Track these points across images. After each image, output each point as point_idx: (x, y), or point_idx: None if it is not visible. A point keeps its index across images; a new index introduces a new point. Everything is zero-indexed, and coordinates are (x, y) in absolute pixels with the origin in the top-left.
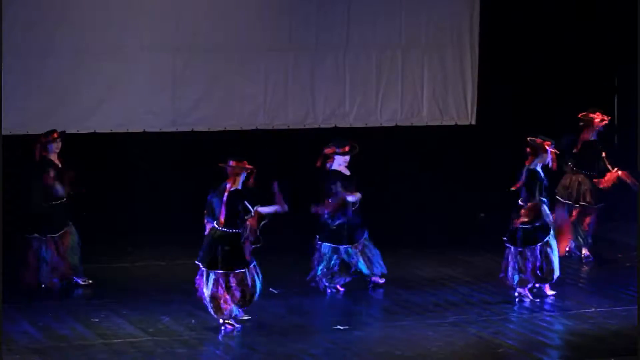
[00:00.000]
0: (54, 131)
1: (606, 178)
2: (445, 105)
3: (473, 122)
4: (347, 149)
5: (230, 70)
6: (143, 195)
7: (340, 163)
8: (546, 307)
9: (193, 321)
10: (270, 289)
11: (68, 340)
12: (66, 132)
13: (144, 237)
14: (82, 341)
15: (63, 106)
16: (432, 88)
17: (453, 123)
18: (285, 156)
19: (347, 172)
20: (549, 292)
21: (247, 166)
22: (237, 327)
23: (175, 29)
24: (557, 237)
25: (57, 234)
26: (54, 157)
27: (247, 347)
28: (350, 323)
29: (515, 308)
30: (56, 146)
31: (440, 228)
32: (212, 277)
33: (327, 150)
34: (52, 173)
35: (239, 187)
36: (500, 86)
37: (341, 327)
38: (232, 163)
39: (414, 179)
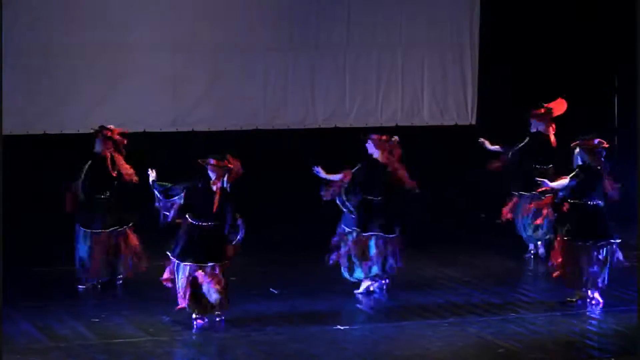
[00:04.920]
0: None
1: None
2: (446, 105)
3: (473, 122)
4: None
5: (230, 70)
6: (143, 195)
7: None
8: (545, 307)
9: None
10: (270, 289)
11: (68, 340)
12: (66, 132)
13: (143, 237)
14: (82, 341)
15: (63, 106)
16: (432, 88)
17: (453, 123)
18: (285, 156)
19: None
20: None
21: (229, 165)
22: (206, 320)
23: (175, 28)
24: None
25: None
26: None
27: (247, 347)
28: (350, 323)
29: (515, 308)
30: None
31: (441, 228)
32: (195, 270)
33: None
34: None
35: (225, 185)
36: (500, 86)
37: (341, 327)
38: (213, 162)
39: (414, 179)
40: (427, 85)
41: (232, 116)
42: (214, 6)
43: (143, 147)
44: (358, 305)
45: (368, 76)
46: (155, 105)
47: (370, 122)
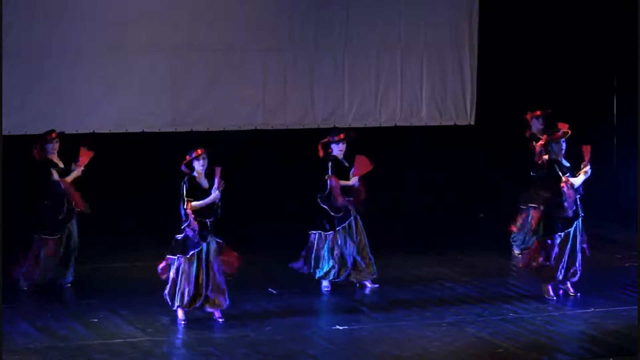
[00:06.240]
0: (52, 131)
1: None
2: (444, 106)
3: (472, 123)
4: (342, 136)
5: (229, 70)
6: (142, 196)
7: (336, 152)
8: (544, 307)
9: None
10: (269, 289)
11: (67, 341)
12: (65, 132)
13: (143, 238)
14: (81, 341)
15: (62, 106)
16: (431, 88)
17: (452, 123)
18: (284, 156)
19: (345, 162)
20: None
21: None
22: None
23: (174, 29)
24: None
25: (56, 236)
26: (53, 157)
27: (246, 347)
28: (349, 323)
29: (514, 308)
30: (53, 147)
31: (440, 228)
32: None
33: (323, 140)
34: (55, 173)
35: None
36: (499, 86)
37: (340, 327)
38: (199, 150)
39: (413, 179)
40: (426, 86)
41: (231, 116)
42: (212, 6)
43: (142, 147)
44: (356, 305)
45: (367, 76)
46: (154, 106)
47: (369, 122)
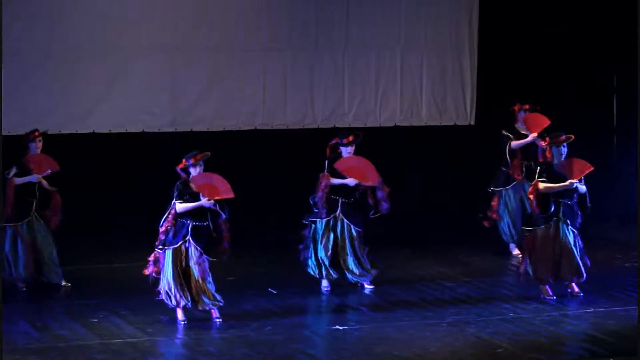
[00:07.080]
0: (35, 130)
1: None
2: (444, 106)
3: (472, 123)
4: (350, 138)
5: (229, 70)
6: (142, 196)
7: (345, 155)
8: (544, 307)
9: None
10: (269, 289)
11: (67, 341)
12: (65, 132)
13: (143, 238)
14: (81, 341)
15: (62, 106)
16: (431, 88)
17: (452, 123)
18: (284, 156)
19: None
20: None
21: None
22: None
23: (174, 28)
24: None
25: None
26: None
27: (245, 347)
28: (349, 323)
29: (514, 308)
30: (37, 145)
31: (440, 228)
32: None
33: (331, 142)
34: (13, 169)
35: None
36: (499, 86)
37: (340, 327)
38: (198, 155)
39: (413, 180)
40: (426, 86)
41: (231, 116)
42: (212, 6)
43: (142, 147)
44: (356, 305)
45: (367, 76)
46: (154, 106)
47: (369, 122)
